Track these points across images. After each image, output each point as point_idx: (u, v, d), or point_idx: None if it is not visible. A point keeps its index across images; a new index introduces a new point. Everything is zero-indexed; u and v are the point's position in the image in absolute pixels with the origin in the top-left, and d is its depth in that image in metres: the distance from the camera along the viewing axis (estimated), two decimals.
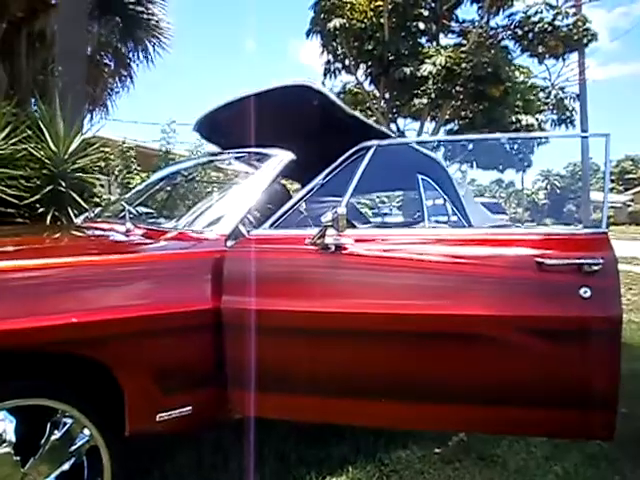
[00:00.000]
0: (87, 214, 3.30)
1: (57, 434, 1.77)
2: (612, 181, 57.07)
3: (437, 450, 2.71)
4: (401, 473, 2.49)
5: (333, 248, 1.96)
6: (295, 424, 2.78)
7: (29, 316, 1.61)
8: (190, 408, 1.95)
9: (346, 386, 1.93)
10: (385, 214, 5.55)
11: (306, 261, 2.04)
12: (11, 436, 1.67)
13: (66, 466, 1.79)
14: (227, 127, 3.07)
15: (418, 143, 2.41)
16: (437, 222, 3.40)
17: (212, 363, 1.97)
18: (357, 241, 2.00)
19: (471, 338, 1.87)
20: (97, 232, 2.58)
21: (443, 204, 3.49)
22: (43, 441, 1.74)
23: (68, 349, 1.70)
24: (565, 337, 1.82)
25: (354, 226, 2.09)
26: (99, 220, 2.84)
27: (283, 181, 3.17)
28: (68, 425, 1.78)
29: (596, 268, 1.77)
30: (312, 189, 2.18)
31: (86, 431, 1.81)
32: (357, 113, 2.85)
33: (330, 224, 1.91)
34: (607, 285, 1.79)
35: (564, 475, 2.49)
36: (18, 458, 1.67)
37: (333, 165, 2.17)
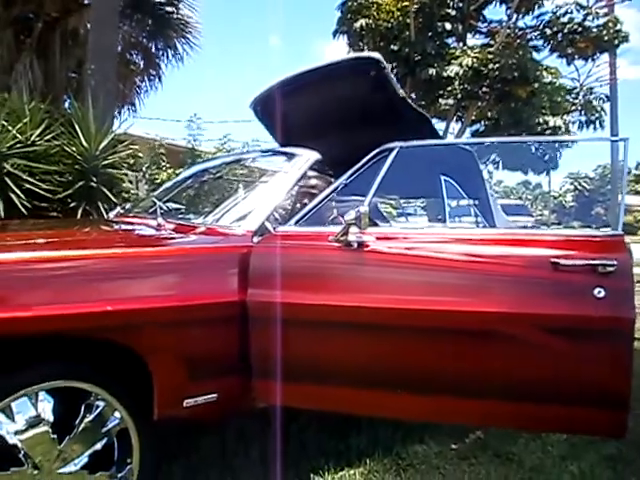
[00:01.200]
0: (119, 209, 3.42)
1: (90, 416, 1.87)
2: (638, 182, 55.88)
3: (454, 446, 2.76)
4: (417, 467, 2.55)
5: (355, 245, 2.02)
6: (315, 416, 2.86)
7: (70, 303, 1.72)
8: (215, 395, 2.04)
9: (367, 378, 2.00)
10: (409, 214, 5.61)
11: (329, 257, 2.11)
12: (49, 415, 1.78)
13: (98, 446, 1.89)
14: (281, 108, 3.12)
15: (441, 145, 2.45)
16: (459, 222, 3.44)
17: (237, 353, 2.05)
18: (379, 239, 2.06)
19: (487, 334, 1.93)
20: (130, 226, 2.69)
21: (468, 205, 3.52)
22: (77, 422, 1.84)
23: (103, 336, 1.80)
24: (578, 336, 1.86)
25: (376, 224, 2.15)
26: (131, 215, 2.95)
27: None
28: (100, 408, 1.88)
29: (611, 269, 1.81)
30: (336, 188, 2.25)
31: (117, 414, 1.91)
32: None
33: (353, 222, 1.99)
34: (621, 286, 1.82)
35: (580, 475, 2.52)
36: (55, 436, 1.78)
37: (357, 166, 2.24)
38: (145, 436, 1.96)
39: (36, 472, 1.74)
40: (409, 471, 2.51)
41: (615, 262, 1.82)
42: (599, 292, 1.79)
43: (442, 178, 3.15)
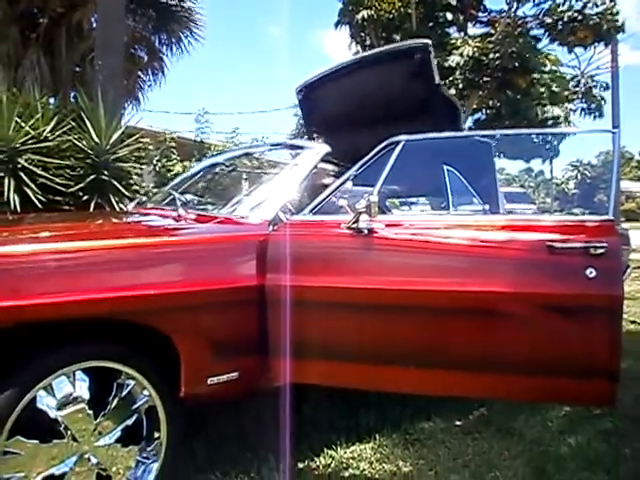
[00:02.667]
0: (137, 201, 3.55)
1: (121, 394, 2.01)
2: None
3: (458, 422, 2.91)
4: (424, 442, 2.70)
5: (366, 232, 2.17)
6: (326, 396, 3.02)
7: (106, 290, 1.87)
8: (237, 374, 2.19)
9: (378, 355, 2.14)
10: (413, 203, 5.74)
11: (341, 243, 2.25)
12: (85, 393, 1.92)
13: (129, 421, 2.04)
14: (324, 95, 3.25)
15: (444, 138, 2.58)
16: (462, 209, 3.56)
17: (257, 334, 2.20)
18: (387, 226, 2.21)
19: (489, 313, 2.07)
20: (153, 218, 2.83)
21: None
22: (110, 399, 1.99)
23: (133, 318, 1.94)
24: (572, 313, 2.01)
25: (385, 212, 2.30)
26: (149, 207, 3.09)
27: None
28: (130, 386, 2.03)
29: (601, 251, 1.96)
30: (347, 179, 2.39)
31: (145, 392, 2.05)
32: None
33: (363, 210, 2.13)
34: (611, 267, 1.97)
35: (577, 447, 2.67)
36: (91, 412, 1.92)
37: (365, 158, 2.38)
38: (171, 413, 2.10)
39: (75, 444, 1.89)
40: (416, 445, 2.67)
41: (605, 245, 1.97)
42: (591, 272, 1.94)
43: (445, 168, 3.28)
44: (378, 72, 3.02)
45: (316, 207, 2.31)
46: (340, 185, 2.37)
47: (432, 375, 2.14)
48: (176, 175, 7.52)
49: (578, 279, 1.96)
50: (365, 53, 3.05)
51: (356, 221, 2.15)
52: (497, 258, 2.09)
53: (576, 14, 10.58)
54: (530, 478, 2.37)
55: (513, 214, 2.52)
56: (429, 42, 2.82)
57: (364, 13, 11.29)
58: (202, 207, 3.00)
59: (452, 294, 2.07)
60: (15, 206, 4.07)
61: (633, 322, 5.37)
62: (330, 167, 3.28)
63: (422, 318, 2.12)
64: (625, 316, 5.51)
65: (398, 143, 2.32)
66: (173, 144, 8.39)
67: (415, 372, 2.14)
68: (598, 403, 2.27)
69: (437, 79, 2.89)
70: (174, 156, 8.17)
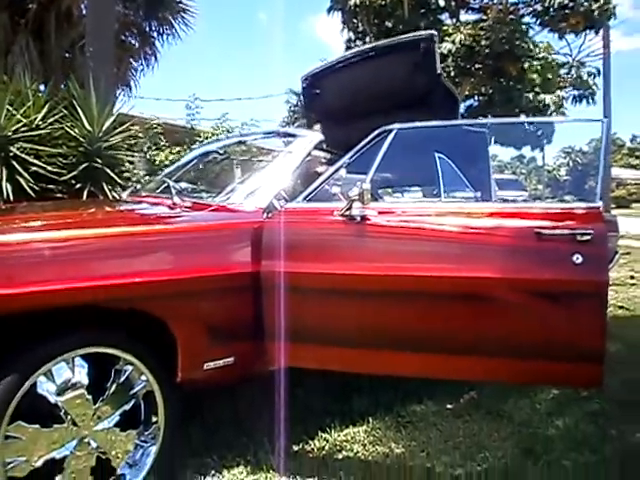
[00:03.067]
0: (131, 189, 3.55)
1: (119, 379, 2.05)
2: (637, 157, 55.96)
3: (449, 405, 2.97)
4: (416, 424, 2.76)
5: (358, 219, 2.21)
6: (320, 381, 3.07)
7: (102, 277, 1.90)
8: (232, 359, 2.23)
9: (370, 339, 2.19)
10: (404, 190, 5.76)
11: (335, 230, 2.29)
12: (84, 379, 1.96)
13: (127, 406, 2.08)
14: (329, 85, 3.29)
15: (437, 127, 2.62)
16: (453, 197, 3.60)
17: (252, 319, 2.24)
18: (380, 213, 2.25)
19: (479, 298, 2.12)
20: (148, 205, 2.85)
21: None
22: (108, 384, 2.02)
23: (131, 305, 1.98)
24: (559, 298, 2.07)
25: (377, 200, 2.34)
26: (144, 195, 3.11)
27: None
28: (128, 372, 2.07)
29: (588, 238, 2.01)
30: (340, 167, 2.42)
31: (143, 377, 2.09)
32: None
33: (356, 198, 2.17)
34: (597, 253, 2.02)
35: (564, 429, 2.74)
36: (90, 397, 1.96)
37: (358, 146, 2.41)
38: (169, 398, 2.15)
39: (75, 428, 1.93)
40: (408, 428, 2.73)
41: (592, 231, 2.02)
42: (577, 258, 1.99)
43: (437, 156, 3.31)
44: (383, 63, 3.09)
45: (310, 194, 2.35)
46: (333, 173, 2.40)
47: (423, 359, 2.19)
48: (160, 164, 7.48)
49: (565, 265, 2.01)
50: (371, 44, 3.12)
51: (349, 208, 2.19)
52: (487, 244, 2.14)
53: (567, 1, 10.59)
54: (519, 459, 2.44)
55: (502, 202, 2.56)
56: (434, 33, 2.88)
57: None
58: (197, 195, 3.02)
59: (443, 280, 2.12)
60: (8, 195, 4.06)
61: (621, 307, 5.45)
62: (323, 154, 3.31)
63: (413, 303, 2.16)
64: (613, 301, 5.61)
65: (390, 131, 2.35)
66: (160, 130, 8.33)
67: (406, 356, 2.20)
68: (585, 385, 2.34)
69: (439, 69, 2.94)
70: (162, 143, 8.11)
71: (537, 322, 2.09)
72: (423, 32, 3.00)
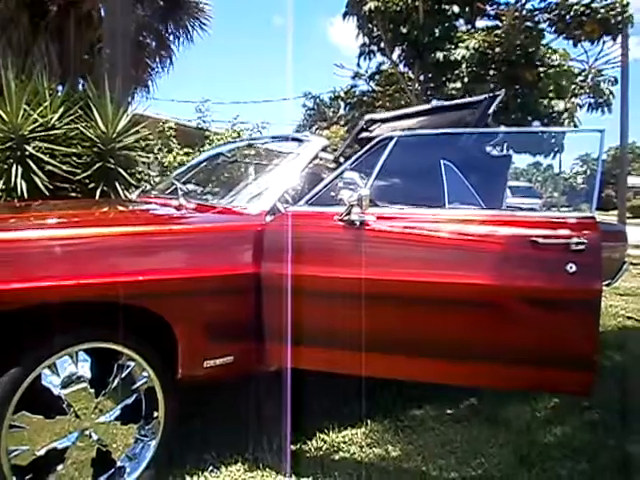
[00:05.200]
0: (141, 189, 3.63)
1: (122, 374, 2.11)
2: None
3: (449, 411, 3.00)
4: (415, 429, 2.79)
5: (358, 224, 2.25)
6: (320, 383, 3.10)
7: (107, 274, 1.96)
8: (232, 358, 2.28)
9: (367, 342, 2.22)
10: (406, 197, 5.75)
11: (334, 234, 2.34)
12: (87, 373, 2.02)
13: (128, 401, 2.14)
14: None
15: (437, 135, 2.67)
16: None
17: (252, 319, 2.29)
18: (378, 218, 2.29)
19: (475, 304, 2.15)
20: (155, 206, 2.92)
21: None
22: (111, 379, 2.09)
23: (134, 302, 2.03)
24: (553, 305, 2.10)
25: (377, 205, 2.38)
26: (152, 195, 3.18)
27: None
28: (130, 367, 2.12)
29: (582, 247, 2.03)
30: (341, 173, 2.47)
31: (145, 373, 2.15)
32: None
33: (355, 203, 2.21)
34: (590, 262, 2.05)
35: (562, 437, 2.75)
36: (92, 391, 2.02)
37: (359, 153, 2.45)
38: (169, 393, 2.20)
39: (77, 421, 1.99)
40: (406, 431, 2.76)
41: (586, 241, 2.04)
42: (571, 267, 2.02)
43: (443, 162, 3.33)
44: (443, 118, 3.21)
45: (312, 199, 2.40)
46: (335, 178, 2.45)
47: (420, 363, 2.22)
48: (169, 166, 7.55)
49: (559, 274, 2.03)
50: (435, 104, 3.35)
51: (348, 213, 2.24)
52: (483, 251, 2.17)
53: (583, 8, 10.51)
54: (515, 465, 2.45)
55: (500, 209, 2.58)
56: (500, 94, 3.16)
57: (371, 4, 11.25)
58: (204, 196, 3.08)
59: (438, 285, 2.15)
60: (22, 193, 4.16)
61: (630, 318, 5.42)
62: (329, 158, 3.36)
63: (408, 308, 2.20)
64: (623, 312, 5.58)
65: (391, 139, 2.39)
66: (172, 132, 8.40)
67: (400, 359, 2.24)
68: (575, 393, 2.35)
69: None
70: (173, 145, 8.19)
71: (530, 329, 2.12)
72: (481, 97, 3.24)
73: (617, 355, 4.04)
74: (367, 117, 3.49)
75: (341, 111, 16.98)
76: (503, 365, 2.14)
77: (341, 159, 3.30)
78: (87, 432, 2.01)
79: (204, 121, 9.88)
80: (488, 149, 3.29)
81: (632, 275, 7.91)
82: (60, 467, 1.95)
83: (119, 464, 2.11)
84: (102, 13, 8.47)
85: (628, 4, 10.84)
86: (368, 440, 2.66)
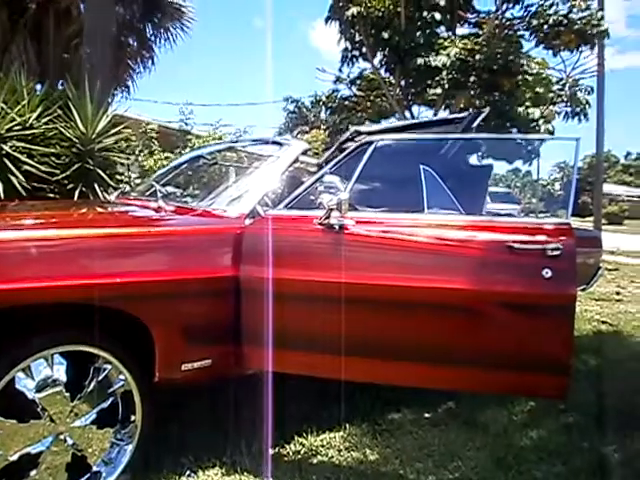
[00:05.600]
0: (119, 191, 3.60)
1: (98, 377, 2.09)
2: (630, 174, 56.40)
3: (427, 414, 3.01)
4: (392, 432, 2.80)
5: (337, 228, 2.26)
6: (298, 386, 3.10)
7: (83, 275, 1.94)
8: (210, 361, 2.27)
9: (345, 346, 2.23)
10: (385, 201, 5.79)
11: (313, 238, 2.35)
12: (63, 376, 2.00)
13: (105, 404, 2.12)
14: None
15: (415, 140, 2.70)
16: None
17: (230, 323, 2.28)
18: (358, 222, 2.30)
19: (452, 308, 2.17)
20: (133, 208, 2.89)
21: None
22: (87, 382, 2.06)
23: (112, 304, 2.01)
24: (529, 310, 2.13)
25: (356, 209, 2.39)
26: (131, 197, 3.15)
27: None
28: (107, 371, 2.10)
29: (557, 253, 2.07)
30: (321, 176, 2.47)
31: (122, 376, 2.13)
32: None
33: (335, 207, 2.22)
34: (565, 267, 2.08)
35: (538, 439, 2.79)
36: (68, 394, 2.00)
37: (339, 157, 2.47)
38: (146, 397, 2.18)
39: (51, 425, 1.96)
40: (384, 435, 2.76)
41: (561, 247, 2.08)
42: (547, 272, 2.05)
43: (422, 168, 3.36)
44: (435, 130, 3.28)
45: (291, 202, 2.40)
46: (314, 182, 2.45)
47: (397, 366, 2.24)
48: (150, 170, 7.49)
49: (535, 279, 2.07)
50: (432, 118, 3.60)
51: (327, 217, 2.24)
52: (459, 256, 2.19)
53: (561, 18, 10.71)
54: (491, 469, 2.48)
55: (477, 215, 2.61)
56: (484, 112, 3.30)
57: (354, 10, 11.33)
58: (183, 199, 3.07)
59: (418, 290, 2.17)
60: None
61: (604, 322, 5.51)
62: (310, 161, 3.36)
63: (385, 312, 2.21)
64: (598, 317, 5.67)
65: (371, 143, 2.41)
66: (153, 135, 8.33)
67: (378, 363, 2.25)
68: (550, 396, 2.38)
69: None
70: (154, 147, 8.11)
71: (506, 333, 2.15)
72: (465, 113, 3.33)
73: (592, 359, 4.10)
74: (353, 128, 3.51)
75: (322, 115, 17.02)
76: (480, 369, 2.16)
77: (323, 165, 3.32)
78: (62, 436, 1.99)
79: (186, 123, 9.83)
80: (469, 158, 3.35)
81: (607, 280, 8.05)
82: (34, 472, 1.92)
83: (95, 469, 2.09)
84: (81, 9, 8.40)
85: (602, 17, 11.09)
86: (346, 444, 2.66)
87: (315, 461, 2.50)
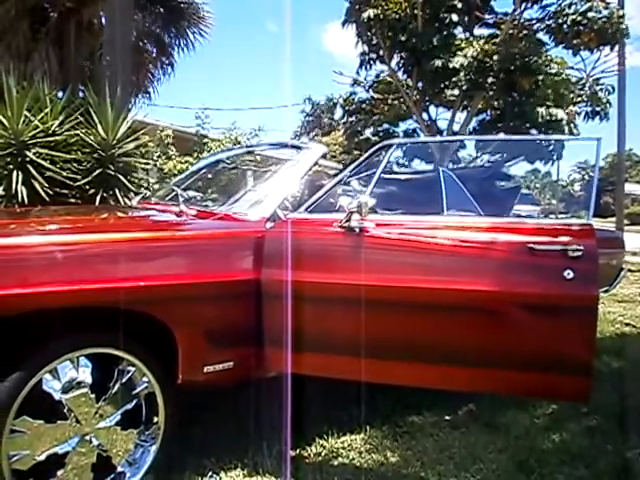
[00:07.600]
0: (141, 195, 3.65)
1: (122, 379, 2.12)
2: None
3: (447, 417, 3.00)
4: (413, 434, 2.80)
5: (357, 230, 2.27)
6: (320, 389, 3.11)
7: (108, 279, 1.98)
8: (232, 363, 2.29)
9: (367, 348, 2.24)
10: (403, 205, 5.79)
11: (334, 241, 2.36)
12: (88, 378, 2.03)
13: (129, 406, 2.15)
14: None
15: (434, 142, 2.71)
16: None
17: (252, 325, 2.30)
18: (378, 225, 2.31)
19: (473, 310, 2.17)
20: (156, 213, 2.94)
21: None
22: (111, 384, 2.10)
23: (136, 308, 2.04)
24: (550, 311, 2.11)
25: (376, 212, 2.40)
26: (152, 202, 3.19)
27: None
28: (131, 373, 2.14)
29: (579, 254, 2.06)
30: (341, 180, 2.49)
31: (145, 379, 2.16)
32: None
33: (355, 210, 2.23)
34: (587, 268, 2.07)
35: (560, 443, 2.76)
36: (93, 396, 2.03)
37: (360, 159, 2.48)
38: (169, 399, 2.21)
39: (77, 426, 1.99)
40: (405, 437, 2.76)
41: (583, 248, 2.06)
42: (568, 273, 2.04)
43: (441, 169, 3.36)
44: None
45: (311, 205, 2.42)
46: (334, 185, 2.47)
47: (419, 368, 2.24)
48: (169, 173, 7.58)
49: (557, 280, 2.05)
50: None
51: (348, 220, 2.26)
52: (481, 258, 2.19)
53: (580, 17, 10.59)
54: (513, 471, 2.46)
55: (497, 217, 2.60)
56: None
57: (370, 12, 11.31)
58: (204, 203, 3.10)
59: (439, 292, 2.17)
60: (23, 199, 4.17)
61: (628, 324, 5.43)
62: (328, 164, 3.38)
63: (407, 314, 2.21)
64: (621, 319, 5.60)
65: (390, 146, 2.42)
66: (170, 140, 8.44)
67: (400, 365, 2.25)
68: (572, 399, 2.36)
69: None
70: (171, 152, 8.22)
71: (528, 335, 2.14)
72: None
73: (615, 361, 4.05)
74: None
75: (337, 116, 17.03)
76: (501, 371, 2.16)
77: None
78: (87, 437, 2.02)
79: (203, 128, 9.93)
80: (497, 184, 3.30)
81: (630, 282, 7.94)
82: (60, 472, 1.95)
83: (119, 469, 2.12)
84: (103, 21, 8.53)
85: (623, 16, 10.94)
86: (367, 446, 2.67)
87: (336, 463, 2.51)
